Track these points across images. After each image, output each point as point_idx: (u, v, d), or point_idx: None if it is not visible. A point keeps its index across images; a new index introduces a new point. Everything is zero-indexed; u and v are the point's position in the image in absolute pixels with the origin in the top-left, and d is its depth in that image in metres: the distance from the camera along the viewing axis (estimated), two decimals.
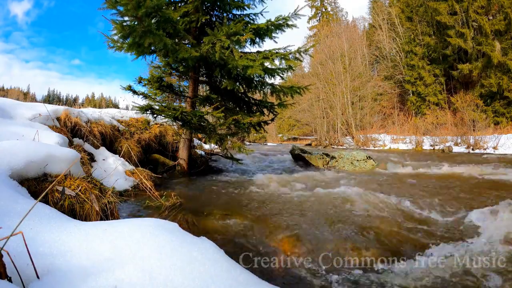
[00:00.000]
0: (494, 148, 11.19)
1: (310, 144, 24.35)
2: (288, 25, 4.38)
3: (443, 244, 1.91)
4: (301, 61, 4.56)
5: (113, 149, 4.58)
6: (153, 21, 3.43)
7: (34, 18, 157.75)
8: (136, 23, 3.32)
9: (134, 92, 4.52)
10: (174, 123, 5.42)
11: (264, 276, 1.54)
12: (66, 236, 1.02)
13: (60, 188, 1.67)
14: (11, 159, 1.53)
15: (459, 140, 13.16)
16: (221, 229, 2.23)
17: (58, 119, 3.87)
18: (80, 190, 1.75)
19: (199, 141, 8.75)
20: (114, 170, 3.22)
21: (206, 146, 8.65)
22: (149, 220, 1.21)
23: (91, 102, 69.27)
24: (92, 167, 3.20)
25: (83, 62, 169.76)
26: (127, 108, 9.34)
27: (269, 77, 4.81)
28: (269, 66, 4.25)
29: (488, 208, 2.51)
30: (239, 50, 4.37)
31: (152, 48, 4.20)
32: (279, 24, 4.33)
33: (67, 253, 0.92)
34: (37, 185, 1.62)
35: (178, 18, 4.23)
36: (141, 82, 4.84)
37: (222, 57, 3.85)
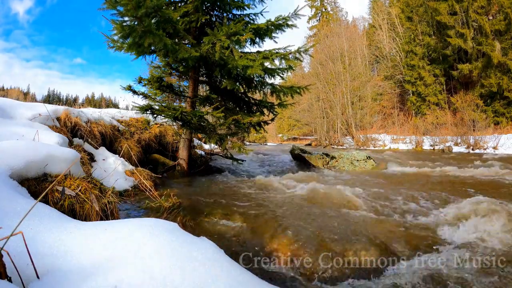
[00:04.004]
0: (494, 148, 11.19)
1: (310, 144, 24.35)
2: (288, 25, 4.38)
3: (443, 244, 1.92)
4: (301, 61, 4.56)
5: (113, 149, 4.58)
6: (153, 21, 3.43)
7: (36, 16, 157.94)
8: (136, 23, 3.31)
9: (134, 92, 4.52)
10: (174, 123, 5.42)
11: (264, 276, 1.54)
12: (66, 236, 1.02)
13: (60, 188, 1.67)
14: (11, 159, 1.53)
15: (459, 140, 13.16)
16: (221, 229, 2.23)
17: (58, 119, 3.87)
18: (80, 190, 1.75)
19: (199, 141, 8.75)
20: (114, 170, 3.22)
21: (206, 146, 8.65)
22: (149, 220, 1.21)
23: (91, 102, 69.25)
24: (92, 167, 3.20)
25: (85, 61, 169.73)
26: (127, 108, 9.34)
27: (269, 77, 4.81)
28: (269, 66, 4.25)
29: (486, 208, 2.51)
30: (239, 50, 4.37)
31: (152, 48, 4.20)
32: (279, 24, 4.33)
33: (67, 253, 0.92)
34: (37, 185, 1.62)
35: (178, 18, 4.23)
36: (141, 82, 4.84)
37: (222, 57, 3.85)
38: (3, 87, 72.67)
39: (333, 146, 20.05)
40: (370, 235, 2.07)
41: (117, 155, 3.86)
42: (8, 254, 0.74)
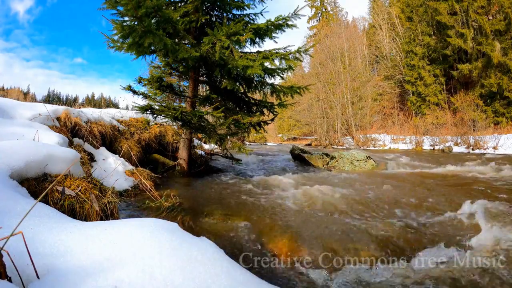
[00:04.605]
0: (494, 148, 11.19)
1: (310, 144, 24.36)
2: (288, 25, 4.38)
3: (443, 244, 1.92)
4: (301, 61, 4.56)
5: (113, 149, 4.58)
6: (153, 21, 3.43)
7: (36, 15, 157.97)
8: (136, 23, 3.32)
9: (134, 92, 4.52)
10: (174, 123, 5.41)
11: (264, 276, 1.54)
12: (66, 236, 1.02)
13: (60, 188, 1.67)
14: (11, 159, 1.53)
15: (459, 140, 13.16)
16: (221, 229, 2.23)
17: (58, 119, 3.87)
18: (80, 190, 1.75)
19: (199, 141, 8.75)
20: (114, 170, 3.22)
21: (206, 146, 8.65)
22: (149, 220, 1.21)
23: (91, 102, 69.20)
24: (92, 167, 3.19)
25: (85, 61, 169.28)
26: (127, 108, 9.34)
27: (269, 77, 4.81)
28: (269, 66, 4.25)
29: (486, 208, 2.52)
30: (239, 50, 4.37)
31: (152, 48, 4.20)
32: (279, 24, 4.32)
33: (67, 253, 0.92)
34: (37, 185, 1.62)
35: (178, 18, 4.23)
36: (141, 82, 4.84)
37: (222, 57, 3.85)
38: (3, 87, 72.61)
39: (333, 146, 20.05)
40: (370, 235, 2.07)
41: (117, 155, 3.86)
42: (8, 254, 0.74)
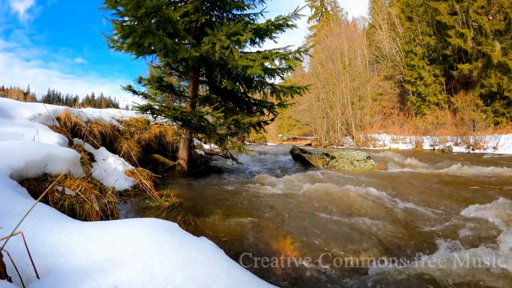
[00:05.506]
0: (494, 148, 11.19)
1: (310, 144, 24.35)
2: (288, 25, 4.38)
3: (442, 244, 1.92)
4: (301, 61, 4.56)
5: (113, 149, 4.58)
6: (153, 21, 3.43)
7: (36, 15, 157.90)
8: (136, 23, 3.32)
9: (134, 92, 4.52)
10: (174, 123, 5.42)
11: (264, 276, 1.54)
12: (66, 236, 1.02)
13: (60, 188, 1.67)
14: (11, 159, 1.53)
15: (459, 140, 13.16)
16: (221, 229, 2.23)
17: (58, 119, 3.87)
18: (80, 190, 1.75)
19: (199, 141, 8.75)
20: (114, 170, 3.22)
21: (206, 146, 8.65)
22: (149, 220, 1.21)
23: (91, 102, 69.17)
24: (92, 167, 3.19)
25: (86, 61, 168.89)
26: (127, 108, 9.35)
27: (269, 77, 4.82)
28: (269, 66, 4.26)
29: (485, 208, 2.52)
30: (239, 50, 4.38)
31: (152, 48, 4.20)
32: (279, 24, 4.33)
33: (67, 253, 0.92)
34: (37, 185, 1.62)
35: (178, 18, 4.23)
36: (141, 82, 4.84)
37: (222, 57, 3.85)
38: (3, 87, 72.54)
39: (333, 146, 20.05)
40: (370, 236, 2.07)
41: (117, 155, 3.86)
42: (8, 254, 0.74)
